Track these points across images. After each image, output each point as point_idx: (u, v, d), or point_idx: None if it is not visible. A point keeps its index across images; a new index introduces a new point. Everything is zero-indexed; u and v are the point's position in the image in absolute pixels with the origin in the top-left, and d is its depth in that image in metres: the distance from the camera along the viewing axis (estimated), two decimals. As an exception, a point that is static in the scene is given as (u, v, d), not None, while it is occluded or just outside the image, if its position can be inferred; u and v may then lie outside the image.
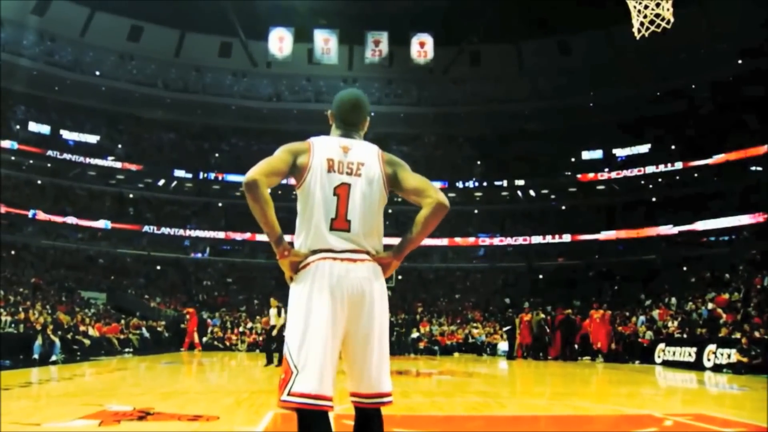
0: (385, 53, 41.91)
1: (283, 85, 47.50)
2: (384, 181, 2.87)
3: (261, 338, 26.65)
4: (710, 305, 21.63)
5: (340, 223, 2.77)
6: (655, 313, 24.79)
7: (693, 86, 38.55)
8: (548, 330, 23.00)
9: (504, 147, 45.09)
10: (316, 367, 2.57)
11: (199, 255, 44.60)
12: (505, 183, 45.42)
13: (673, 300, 26.39)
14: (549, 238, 42.62)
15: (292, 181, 2.86)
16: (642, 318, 24.63)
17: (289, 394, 2.57)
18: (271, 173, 2.73)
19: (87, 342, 20.47)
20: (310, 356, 2.58)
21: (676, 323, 22.14)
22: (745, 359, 14.92)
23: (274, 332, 16.20)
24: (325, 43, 41.60)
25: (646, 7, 12.36)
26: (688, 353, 18.03)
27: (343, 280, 2.69)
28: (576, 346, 22.51)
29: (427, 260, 42.42)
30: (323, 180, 2.79)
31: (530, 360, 22.17)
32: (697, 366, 16.90)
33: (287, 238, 2.78)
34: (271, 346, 16.69)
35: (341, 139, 2.94)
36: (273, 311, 16.25)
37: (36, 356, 15.99)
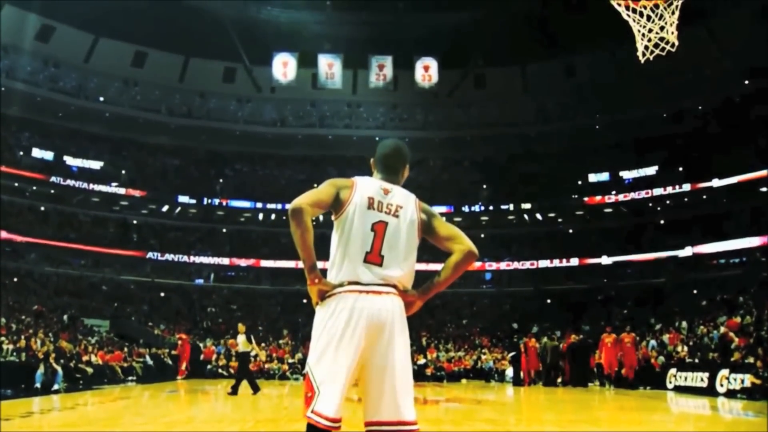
0: (390, 77, 43.08)
1: (288, 110, 47.73)
2: (419, 226, 3.03)
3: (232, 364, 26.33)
4: (722, 329, 21.34)
5: (373, 257, 2.92)
6: (666, 337, 24.51)
7: (700, 107, 38.54)
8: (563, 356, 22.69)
9: (510, 170, 45.19)
10: (330, 390, 2.74)
11: (203, 281, 44.42)
12: (511, 207, 45.28)
13: (684, 324, 26.11)
14: (556, 262, 42.39)
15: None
16: (652, 342, 24.34)
17: (312, 412, 2.74)
18: (315, 203, 2.91)
19: (90, 370, 20.32)
20: (327, 380, 2.75)
21: (687, 348, 21.88)
22: (758, 381, 14.67)
23: (242, 347, 16.07)
24: (330, 67, 42.72)
25: (650, 30, 12.39)
26: (700, 378, 17.75)
27: (363, 311, 2.81)
28: (594, 371, 22.26)
29: None
30: (362, 215, 2.95)
31: (539, 386, 21.87)
32: (709, 391, 16.61)
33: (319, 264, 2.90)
34: (251, 374, 16.45)
35: (382, 182, 3.10)
36: (242, 337, 15.91)
37: (38, 385, 15.86)
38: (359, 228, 2.93)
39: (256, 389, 15.30)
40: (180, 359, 25.85)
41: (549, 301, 41.12)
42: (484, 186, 46.55)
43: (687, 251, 37.47)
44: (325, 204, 2.96)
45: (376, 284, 2.88)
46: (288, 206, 2.86)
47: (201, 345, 30.28)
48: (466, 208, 45.53)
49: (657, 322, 29.35)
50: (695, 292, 34.18)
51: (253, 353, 16.44)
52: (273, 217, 44.24)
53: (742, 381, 15.48)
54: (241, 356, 16.18)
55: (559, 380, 22.20)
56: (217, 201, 45.73)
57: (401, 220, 2.99)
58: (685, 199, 39.24)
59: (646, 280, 38.14)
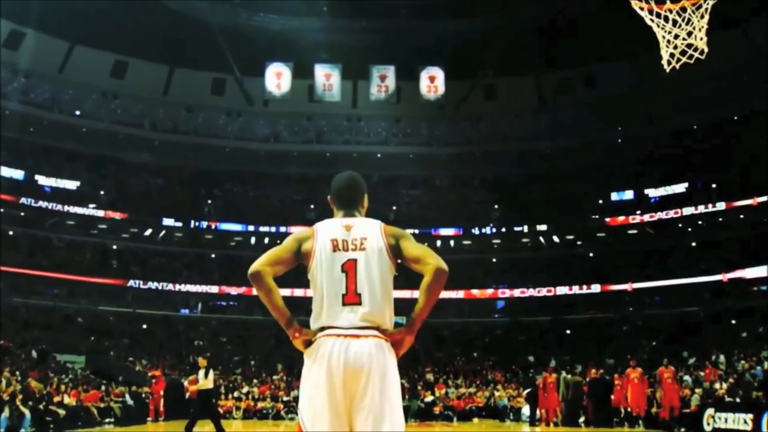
0: (392, 89, 42.73)
1: (282, 125, 47.95)
2: (388, 252, 3.26)
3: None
4: (766, 364, 20.94)
5: (351, 298, 3.18)
6: (702, 373, 24.12)
7: (735, 117, 38.27)
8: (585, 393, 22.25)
9: (524, 189, 44.94)
10: None
11: (190, 312, 43.96)
12: (525, 228, 44.83)
13: (722, 358, 25.85)
14: (576, 289, 41.62)
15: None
16: (687, 378, 23.91)
17: None
18: (276, 262, 3.25)
19: (62, 412, 19.98)
20: (315, 427, 3.04)
21: (726, 385, 21.43)
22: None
23: (195, 387, 15.45)
24: (327, 78, 42.57)
25: (676, 36, 11.99)
26: (743, 420, 17.15)
27: (341, 356, 3.07)
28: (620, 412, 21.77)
29: (441, 315, 41.18)
30: (329, 260, 3.23)
31: (558, 426, 21.37)
32: (755, 436, 16.05)
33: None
34: (196, 415, 15.82)
35: (343, 219, 3.39)
36: (201, 372, 15.24)
37: (2, 431, 15.40)
38: (329, 273, 3.20)
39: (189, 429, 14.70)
40: (154, 398, 25.37)
41: (569, 331, 40.61)
42: (496, 206, 46.01)
43: (723, 276, 36.78)
44: (286, 260, 3.28)
45: (356, 327, 3.13)
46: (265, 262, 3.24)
47: (186, 382, 29.82)
48: (476, 231, 45.33)
49: (690, 355, 29.20)
50: (733, 322, 33.84)
51: (200, 385, 15.63)
52: (266, 241, 43.62)
53: (794, 423, 14.94)
54: (202, 394, 15.36)
55: (581, 419, 21.76)
56: (205, 224, 45.45)
57: (369, 251, 3.24)
58: (720, 219, 38.77)
59: (677, 308, 37.53)
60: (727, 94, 36.91)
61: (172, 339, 41.30)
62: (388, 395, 3.06)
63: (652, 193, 42.67)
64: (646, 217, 41.35)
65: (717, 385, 21.77)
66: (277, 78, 42.51)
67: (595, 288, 41.27)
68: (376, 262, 3.21)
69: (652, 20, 12.05)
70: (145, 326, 41.85)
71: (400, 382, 3.19)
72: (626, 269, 40.64)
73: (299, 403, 3.15)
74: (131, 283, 42.48)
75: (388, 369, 3.11)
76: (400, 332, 3.23)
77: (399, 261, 3.30)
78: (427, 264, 3.18)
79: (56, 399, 21.23)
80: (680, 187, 41.18)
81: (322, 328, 3.16)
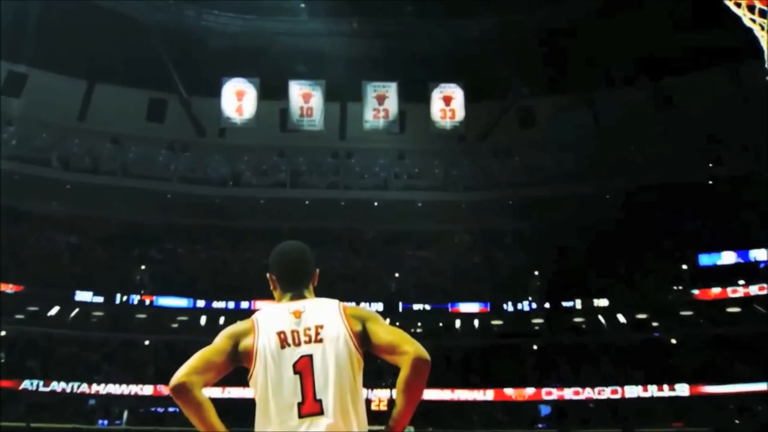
0: (394, 114, 41.18)
1: (244, 163, 46.89)
2: (352, 338, 3.18)
3: None
4: None
5: (309, 407, 3.04)
6: None
7: None
8: None
9: (575, 249, 42.66)
10: None
11: (109, 423, 39.98)
12: (578, 304, 42.20)
13: None
14: (654, 390, 38.24)
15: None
16: None
17: None
18: (205, 369, 3.10)
19: None
20: None
21: None
22: None
23: None
24: (306, 99, 40.86)
25: None
26: None
27: None
28: None
29: (463, 422, 38.32)
30: (276, 360, 3.11)
31: None
32: None
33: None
34: None
35: (291, 304, 3.32)
36: None
37: None
38: (278, 377, 3.07)
39: None
40: None
41: (647, 449, 37.64)
42: (536, 272, 43.82)
43: None
44: (219, 365, 3.13)
45: None
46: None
47: None
48: (508, 306, 42.73)
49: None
50: None
51: None
52: (222, 321, 40.99)
53: None
54: None
55: None
56: (136, 298, 42.70)
57: (327, 342, 3.14)
58: None
59: (810, 421, 34.78)
60: None
61: (86, 464, 38.41)
62: None
63: (760, 255, 40.02)
64: (754, 289, 38.55)
65: None
66: (238, 99, 40.73)
67: (682, 390, 38.01)
68: (336, 355, 3.10)
69: (754, 20, 12.86)
70: (44, 447, 38.75)
71: None
72: (727, 364, 37.47)
73: None
74: (26, 384, 39.00)
75: None
76: None
77: (366, 350, 3.21)
78: (403, 353, 3.08)
79: None
80: (803, 247, 39.08)
81: None
